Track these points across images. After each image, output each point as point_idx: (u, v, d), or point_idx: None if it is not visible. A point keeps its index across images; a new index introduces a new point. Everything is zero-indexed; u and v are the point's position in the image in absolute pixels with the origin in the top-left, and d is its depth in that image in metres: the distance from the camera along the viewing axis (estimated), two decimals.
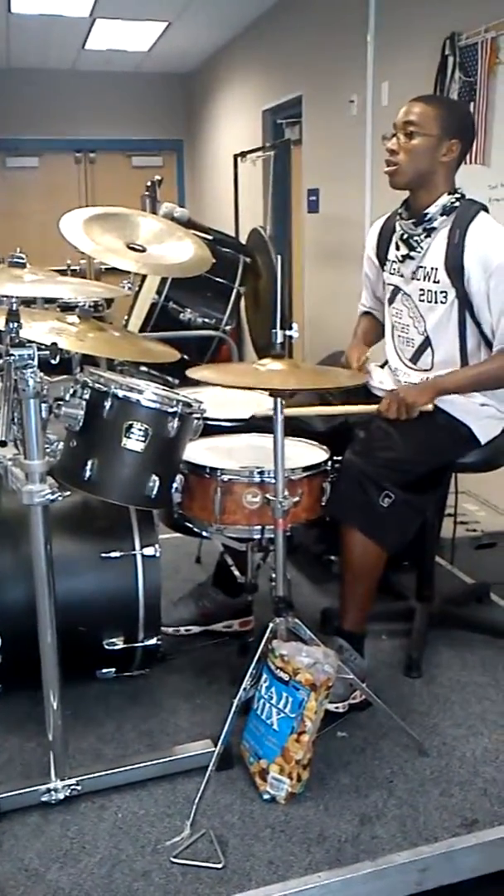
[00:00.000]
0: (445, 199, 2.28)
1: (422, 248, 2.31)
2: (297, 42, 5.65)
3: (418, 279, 2.33)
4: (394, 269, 2.43)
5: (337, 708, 2.11)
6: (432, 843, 1.79)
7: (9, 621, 2.05)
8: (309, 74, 5.50)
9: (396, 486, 2.16)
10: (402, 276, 2.39)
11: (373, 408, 2.28)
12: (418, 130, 2.22)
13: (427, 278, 2.30)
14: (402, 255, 2.36)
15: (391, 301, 2.47)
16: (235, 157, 6.45)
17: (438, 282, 2.28)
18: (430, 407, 2.25)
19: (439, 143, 2.24)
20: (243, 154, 6.39)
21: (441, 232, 2.28)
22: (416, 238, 2.31)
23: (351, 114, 4.79)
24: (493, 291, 2.20)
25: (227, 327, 3.47)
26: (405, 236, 2.34)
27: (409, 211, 2.35)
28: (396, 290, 2.43)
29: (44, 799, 1.86)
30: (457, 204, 2.28)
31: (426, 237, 2.30)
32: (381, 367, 2.59)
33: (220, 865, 1.72)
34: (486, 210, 2.29)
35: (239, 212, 6.40)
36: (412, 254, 2.33)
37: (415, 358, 2.40)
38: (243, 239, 4.27)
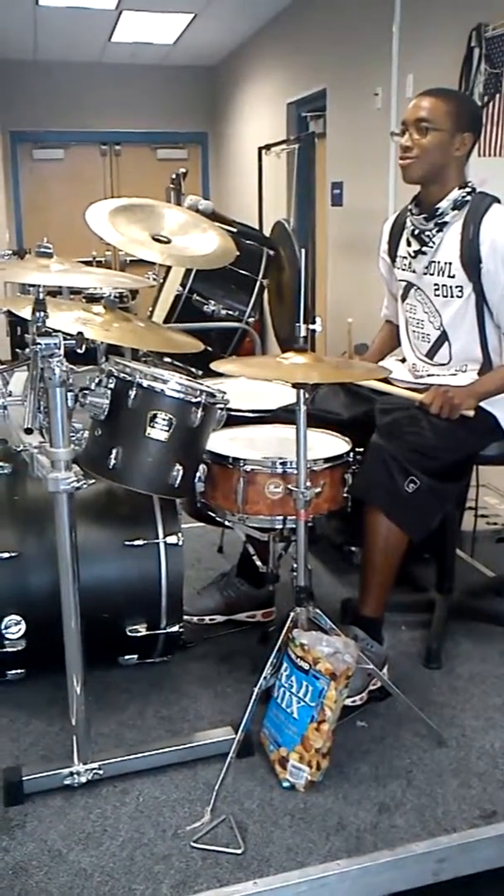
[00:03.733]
0: (457, 193, 2.27)
1: (434, 242, 2.31)
2: (321, 35, 5.64)
3: (431, 274, 2.33)
4: (405, 264, 2.43)
5: (355, 701, 2.12)
6: (450, 834, 1.80)
7: (33, 607, 2.08)
8: (333, 67, 5.48)
9: (422, 471, 2.16)
10: (414, 271, 2.39)
11: (417, 396, 2.28)
12: (431, 126, 2.22)
13: (441, 273, 2.30)
14: (414, 251, 2.36)
15: (404, 297, 2.47)
16: (260, 149, 6.45)
17: (454, 276, 2.28)
18: (471, 413, 2.25)
19: (452, 138, 2.24)
20: (268, 147, 6.39)
21: (453, 226, 2.28)
22: (427, 233, 2.31)
23: (375, 107, 4.77)
24: None
25: (251, 319, 3.48)
26: (416, 231, 2.34)
27: (419, 206, 2.35)
28: (409, 285, 2.43)
29: (66, 782, 1.89)
30: (468, 198, 2.27)
31: (438, 232, 2.30)
32: (402, 361, 2.59)
33: (239, 851, 1.74)
34: (499, 202, 2.29)
35: (263, 204, 6.40)
36: (424, 249, 2.33)
37: (431, 353, 2.40)
38: (267, 232, 4.28)
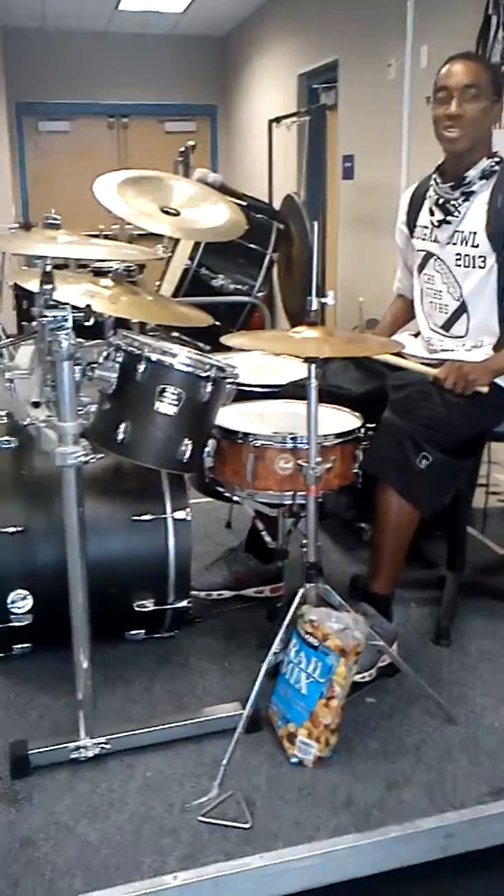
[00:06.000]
0: (486, 163, 2.24)
1: (459, 212, 2.27)
2: (334, 4, 5.54)
3: (455, 243, 2.30)
4: (425, 234, 2.39)
5: (364, 677, 2.11)
6: (459, 810, 1.79)
7: (41, 582, 2.07)
8: (346, 38, 5.39)
9: (434, 447, 2.14)
10: (436, 241, 2.35)
11: (432, 371, 2.25)
12: (479, 92, 2.18)
13: (465, 242, 2.27)
14: (438, 220, 2.32)
15: (422, 268, 2.43)
16: (270, 122, 6.37)
17: (478, 246, 2.24)
18: (485, 389, 2.23)
19: (493, 105, 2.22)
20: (278, 119, 6.32)
21: (480, 196, 2.24)
22: (453, 202, 2.28)
23: (389, 78, 4.69)
24: None
25: (260, 294, 3.45)
26: (441, 201, 2.31)
27: (444, 176, 2.31)
28: (428, 255, 2.39)
29: (73, 756, 1.89)
30: (496, 168, 2.24)
31: (464, 201, 2.26)
32: (415, 336, 2.56)
33: (247, 825, 1.74)
34: None
35: (273, 178, 6.33)
36: (449, 218, 2.29)
37: (448, 324, 2.37)
38: (277, 205, 4.23)
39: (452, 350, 2.38)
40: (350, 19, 5.30)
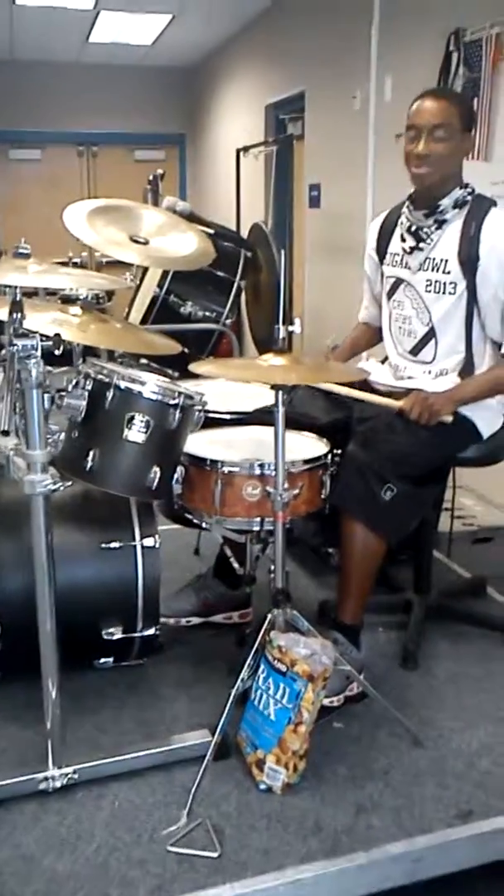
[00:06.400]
0: (458, 192, 2.30)
1: (432, 239, 2.32)
2: (300, 37, 5.65)
3: (426, 270, 2.34)
4: (396, 261, 2.44)
5: (332, 702, 2.12)
6: (427, 834, 1.80)
7: (9, 610, 2.06)
8: (312, 69, 5.50)
9: (399, 478, 2.17)
10: (407, 267, 2.39)
11: (396, 403, 2.28)
12: (446, 133, 2.23)
13: (436, 269, 2.32)
14: (410, 247, 2.37)
15: (391, 293, 2.47)
16: (238, 151, 6.46)
17: (449, 272, 2.29)
18: (449, 418, 2.26)
19: (462, 141, 2.27)
20: (245, 148, 6.40)
21: (453, 224, 2.30)
22: (426, 229, 2.32)
23: (354, 109, 4.78)
24: None
25: (228, 321, 3.48)
26: (413, 228, 2.35)
27: (416, 203, 2.36)
28: (399, 281, 2.44)
29: (41, 787, 1.87)
30: (468, 198, 2.30)
31: (437, 229, 2.31)
32: (382, 362, 2.60)
33: (216, 854, 1.73)
34: (496, 205, 2.31)
35: (240, 206, 6.40)
36: (421, 245, 2.34)
37: (416, 350, 2.41)
38: (244, 233, 4.28)
39: (417, 378, 2.41)
40: (316, 52, 5.41)
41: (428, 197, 2.32)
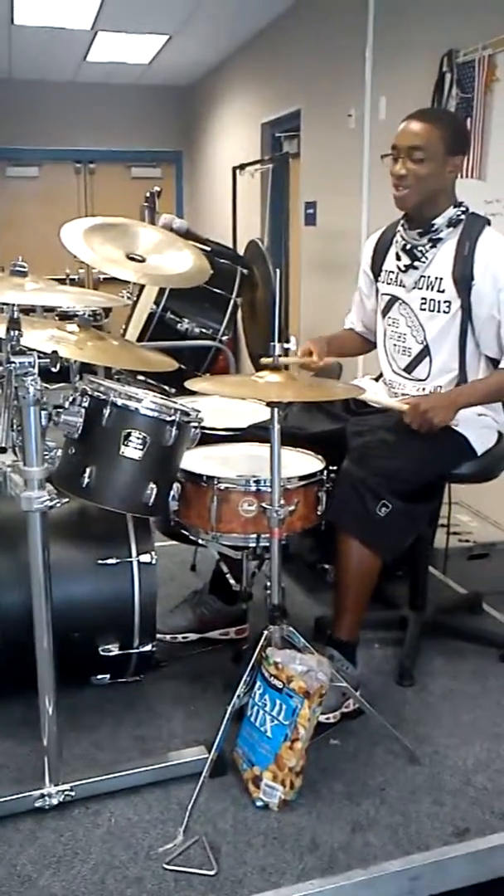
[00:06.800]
0: (452, 211, 2.31)
1: (427, 258, 2.34)
2: (296, 56, 5.70)
3: (420, 288, 2.36)
4: (391, 279, 2.45)
5: (328, 719, 2.12)
6: (424, 852, 1.80)
7: (5, 626, 2.06)
8: (308, 88, 5.55)
9: (394, 495, 2.18)
10: (402, 285, 2.41)
11: (402, 406, 2.29)
12: (425, 154, 2.22)
13: (431, 287, 2.33)
14: (405, 265, 2.38)
15: (386, 311, 2.49)
16: (234, 169, 6.50)
17: (443, 291, 2.31)
18: (455, 423, 2.28)
19: (445, 164, 2.26)
20: (242, 166, 6.44)
21: (447, 243, 2.31)
22: (421, 248, 2.34)
23: (349, 127, 4.83)
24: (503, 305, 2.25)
25: (224, 337, 3.49)
26: (408, 246, 2.37)
27: (411, 222, 2.38)
28: (393, 299, 2.45)
29: (38, 804, 1.87)
30: (462, 217, 2.31)
31: (432, 247, 2.33)
32: (376, 379, 2.61)
33: (212, 872, 1.73)
34: (489, 223, 2.33)
35: (237, 223, 6.44)
36: (416, 263, 2.36)
37: (410, 367, 2.43)
38: (241, 250, 4.30)
39: (412, 395, 2.42)
40: (312, 70, 5.46)
41: (421, 216, 2.33)
